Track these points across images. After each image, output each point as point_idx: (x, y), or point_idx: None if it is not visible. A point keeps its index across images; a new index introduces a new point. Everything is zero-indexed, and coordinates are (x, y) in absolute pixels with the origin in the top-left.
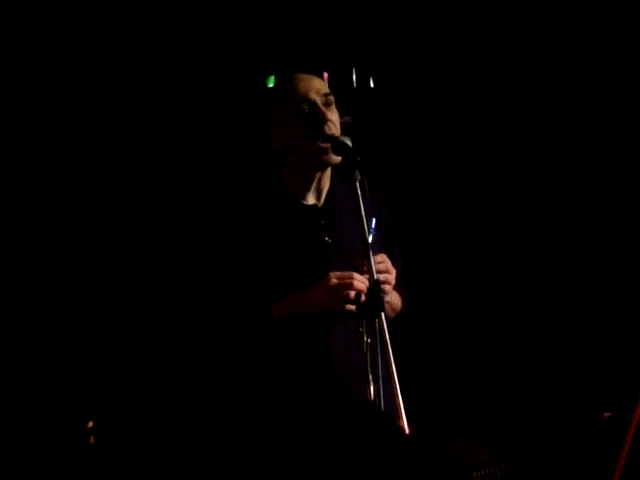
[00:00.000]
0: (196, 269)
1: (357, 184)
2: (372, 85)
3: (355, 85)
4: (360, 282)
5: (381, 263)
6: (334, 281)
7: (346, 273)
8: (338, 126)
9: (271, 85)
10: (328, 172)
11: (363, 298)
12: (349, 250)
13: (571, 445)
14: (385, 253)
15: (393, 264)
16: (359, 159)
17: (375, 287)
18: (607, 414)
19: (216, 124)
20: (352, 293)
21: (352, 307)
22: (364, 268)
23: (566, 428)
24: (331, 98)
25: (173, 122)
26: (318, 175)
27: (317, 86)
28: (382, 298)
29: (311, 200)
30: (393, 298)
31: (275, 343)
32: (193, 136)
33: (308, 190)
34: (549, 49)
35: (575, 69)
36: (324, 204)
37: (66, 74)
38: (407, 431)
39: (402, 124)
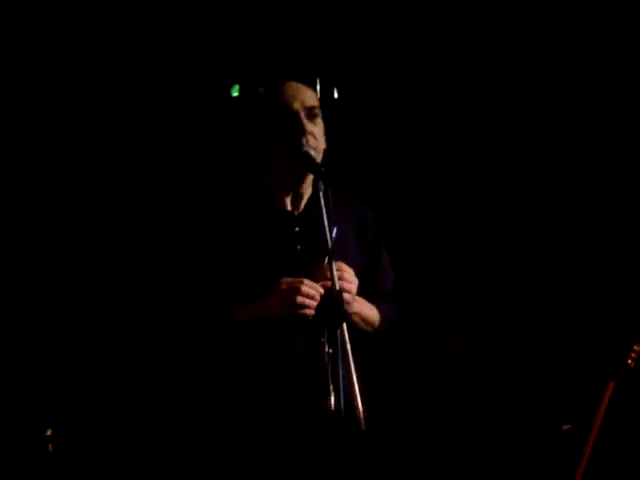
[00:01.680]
0: (164, 270)
1: (320, 194)
2: (336, 96)
3: (319, 96)
4: (309, 288)
5: (337, 272)
6: (283, 287)
7: (296, 279)
8: (321, 139)
9: (235, 94)
10: (309, 179)
11: (314, 304)
12: (320, 257)
13: (531, 456)
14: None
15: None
16: (323, 170)
17: (336, 296)
18: (566, 426)
19: (204, 125)
20: (299, 298)
21: (304, 312)
22: (324, 276)
23: (526, 440)
24: (316, 111)
25: (159, 122)
26: (297, 182)
27: (303, 98)
28: (343, 307)
29: (289, 206)
30: (366, 311)
31: (239, 348)
32: (177, 137)
33: (287, 196)
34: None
35: (560, 68)
36: (302, 211)
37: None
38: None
39: (367, 134)
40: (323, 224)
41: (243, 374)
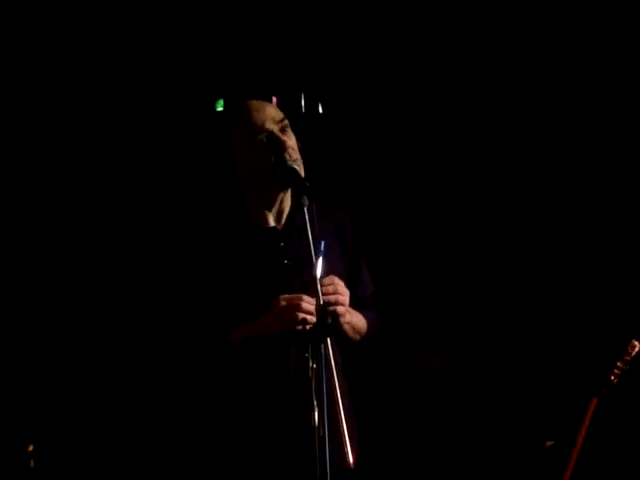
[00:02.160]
0: (155, 293)
1: (305, 209)
2: (321, 111)
3: (304, 111)
4: (308, 304)
5: (329, 285)
6: (283, 303)
7: (295, 295)
8: (297, 149)
9: (220, 109)
10: (289, 193)
11: (314, 320)
12: (310, 271)
13: (515, 473)
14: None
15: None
16: (307, 184)
17: (321, 312)
18: (550, 442)
19: (174, 147)
20: (301, 315)
21: (302, 328)
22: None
23: (510, 456)
24: (286, 122)
25: (131, 143)
26: (279, 197)
27: (272, 114)
28: (327, 323)
29: (271, 222)
30: (355, 320)
31: (233, 366)
32: (150, 158)
33: (269, 212)
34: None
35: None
36: (284, 226)
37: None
38: (350, 458)
39: (352, 149)
40: (308, 237)
41: (236, 390)
